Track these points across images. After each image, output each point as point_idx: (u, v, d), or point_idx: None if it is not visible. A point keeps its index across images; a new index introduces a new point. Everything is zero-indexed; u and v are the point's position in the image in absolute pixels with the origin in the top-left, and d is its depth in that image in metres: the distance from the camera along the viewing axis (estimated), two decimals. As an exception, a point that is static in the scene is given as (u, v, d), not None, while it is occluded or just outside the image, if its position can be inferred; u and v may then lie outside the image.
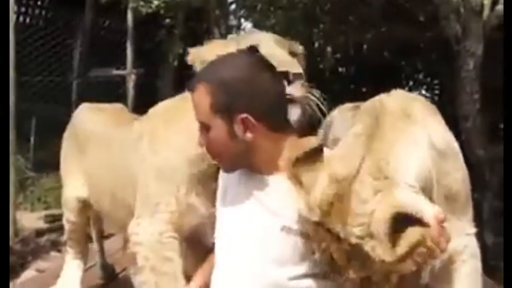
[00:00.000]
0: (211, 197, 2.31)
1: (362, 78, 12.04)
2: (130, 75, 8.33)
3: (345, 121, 2.79)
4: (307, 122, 1.97)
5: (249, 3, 10.17)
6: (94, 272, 3.95)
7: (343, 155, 1.80)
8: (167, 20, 8.87)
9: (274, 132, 1.86)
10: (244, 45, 2.06)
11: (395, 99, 2.03)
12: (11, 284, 4.11)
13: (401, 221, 1.57)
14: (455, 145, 2.21)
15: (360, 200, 1.66)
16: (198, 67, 2.25)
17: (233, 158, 1.92)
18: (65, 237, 3.71)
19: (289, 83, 1.91)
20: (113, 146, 3.03)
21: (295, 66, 1.97)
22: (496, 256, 5.89)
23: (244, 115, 1.82)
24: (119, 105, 3.63)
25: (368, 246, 1.62)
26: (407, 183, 1.74)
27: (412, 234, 1.55)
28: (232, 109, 1.83)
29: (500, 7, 5.95)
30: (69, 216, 3.53)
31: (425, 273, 2.12)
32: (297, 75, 1.93)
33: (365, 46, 10.69)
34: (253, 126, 1.84)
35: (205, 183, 2.46)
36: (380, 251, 1.59)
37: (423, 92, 12.30)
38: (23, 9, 8.26)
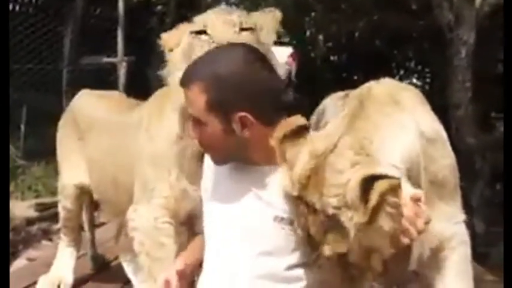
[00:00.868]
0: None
1: (354, 67, 12.05)
2: (121, 62, 8.28)
3: (336, 109, 2.80)
4: (296, 109, 1.95)
5: (241, -10, 10.15)
6: (84, 262, 3.94)
7: (325, 133, 1.83)
8: (159, 7, 8.82)
9: (269, 126, 1.84)
10: (196, 27, 2.30)
11: (383, 86, 2.05)
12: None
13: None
14: (444, 133, 2.21)
15: (334, 171, 1.69)
16: (167, 54, 2.27)
17: (227, 153, 1.92)
18: (59, 225, 3.72)
19: None
20: (115, 132, 3.05)
21: None
22: (486, 244, 5.94)
23: (243, 114, 1.81)
24: (116, 92, 3.64)
25: (344, 216, 1.65)
26: (391, 164, 1.76)
27: (380, 184, 1.57)
28: (230, 107, 1.82)
29: (492, -5, 5.97)
30: (66, 204, 3.54)
31: (413, 260, 2.13)
32: None
33: (357, 34, 10.67)
34: (251, 124, 1.83)
35: (195, 169, 2.46)
36: (356, 217, 1.62)
37: (414, 80, 12.33)
38: (13, -3, 8.19)
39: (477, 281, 2.40)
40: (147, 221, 2.65)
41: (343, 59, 12.91)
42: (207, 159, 2.08)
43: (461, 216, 2.29)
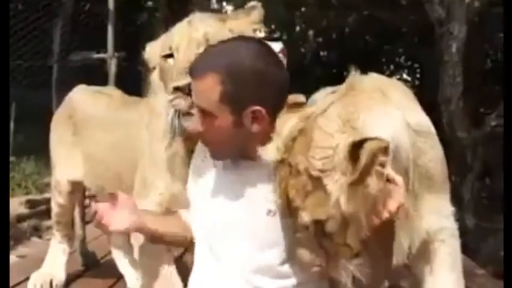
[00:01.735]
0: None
1: (344, 62, 12.07)
2: (111, 58, 8.25)
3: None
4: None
5: (231, -14, 10.13)
6: (75, 258, 3.93)
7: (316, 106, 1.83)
8: (149, 3, 8.81)
9: (274, 120, 1.84)
10: (167, 47, 2.29)
11: (371, 79, 2.05)
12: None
13: None
14: (432, 127, 2.22)
15: (323, 132, 1.70)
16: (152, 63, 2.26)
17: (230, 147, 1.92)
18: (52, 221, 3.70)
19: None
20: (117, 128, 3.04)
21: None
22: (476, 238, 5.98)
23: (257, 108, 1.81)
24: (112, 88, 3.63)
25: (328, 179, 1.65)
26: None
27: (371, 143, 1.59)
28: (243, 100, 1.82)
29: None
30: (59, 199, 3.54)
31: (403, 252, 2.13)
32: None
33: (347, 30, 10.70)
34: (262, 118, 1.84)
35: (185, 174, 2.47)
36: (343, 179, 1.64)
37: (404, 75, 12.37)
38: (2, -8, 8.11)
39: (467, 274, 2.42)
40: None
41: (333, 54, 12.93)
42: (195, 160, 2.09)
43: (450, 209, 2.31)
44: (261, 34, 2.45)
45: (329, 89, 2.73)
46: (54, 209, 3.61)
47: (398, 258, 2.10)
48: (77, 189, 3.54)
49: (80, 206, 3.86)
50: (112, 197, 1.98)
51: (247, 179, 1.96)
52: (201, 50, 2.08)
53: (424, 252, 2.30)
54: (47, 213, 5.85)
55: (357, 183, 1.64)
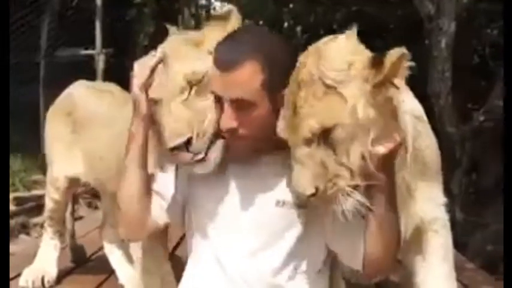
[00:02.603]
0: None
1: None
2: (99, 54, 8.21)
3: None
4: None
5: (220, -18, 10.11)
6: (65, 255, 3.92)
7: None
8: (138, -1, 8.79)
9: None
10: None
11: None
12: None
13: None
14: (425, 116, 2.25)
15: (337, 51, 1.77)
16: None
17: (262, 138, 1.90)
18: (45, 216, 3.68)
19: None
20: (117, 125, 3.03)
21: None
22: (465, 233, 6.02)
23: (283, 92, 1.82)
24: (112, 84, 3.61)
25: (343, 88, 1.71)
26: None
27: (395, 51, 1.71)
28: (278, 86, 1.82)
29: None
30: (55, 196, 3.53)
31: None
32: None
33: (335, 26, 10.71)
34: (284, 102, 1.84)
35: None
36: (362, 85, 1.71)
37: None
38: (-13, -12, 8.03)
39: (457, 268, 2.43)
40: None
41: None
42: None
43: (443, 199, 2.32)
44: None
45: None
46: (49, 204, 3.59)
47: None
48: (74, 186, 3.55)
49: (71, 202, 3.86)
50: None
51: (258, 172, 1.98)
52: (185, 96, 1.98)
53: (417, 242, 2.32)
54: (34, 211, 5.85)
55: (379, 87, 1.72)
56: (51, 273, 3.53)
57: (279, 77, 1.81)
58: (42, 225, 5.59)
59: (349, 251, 1.96)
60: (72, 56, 8.45)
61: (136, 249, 2.71)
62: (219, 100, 1.87)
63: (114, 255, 3.62)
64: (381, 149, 1.72)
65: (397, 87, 1.74)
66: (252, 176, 1.99)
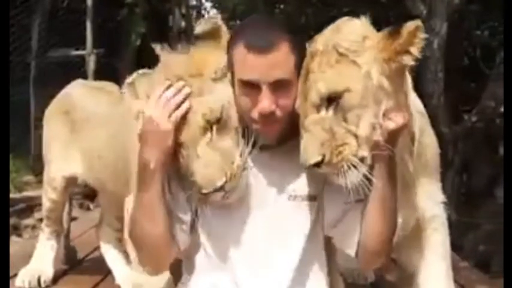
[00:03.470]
0: None
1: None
2: (90, 55, 8.17)
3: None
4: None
5: (210, -18, 10.09)
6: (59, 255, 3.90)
7: None
8: (129, -1, 8.76)
9: None
10: None
11: None
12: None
13: None
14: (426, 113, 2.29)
15: (351, 26, 1.85)
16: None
17: (288, 121, 1.92)
18: (43, 215, 3.69)
19: None
20: (112, 123, 3.02)
21: None
22: (459, 233, 6.04)
23: None
24: (110, 83, 3.61)
25: (357, 57, 1.78)
26: None
27: (409, 24, 1.78)
28: (301, 65, 1.87)
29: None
30: (52, 195, 3.52)
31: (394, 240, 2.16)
32: None
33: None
34: None
35: None
36: (377, 54, 1.79)
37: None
38: (-23, -12, 7.97)
39: (452, 268, 2.45)
40: None
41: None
42: None
43: (442, 197, 2.35)
44: None
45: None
46: (46, 204, 3.59)
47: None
48: (71, 185, 3.56)
49: (68, 202, 3.85)
50: None
51: (275, 165, 1.99)
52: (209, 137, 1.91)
53: (415, 239, 2.33)
54: (25, 212, 5.81)
55: (395, 56, 1.78)
56: (48, 273, 3.53)
57: (301, 58, 1.85)
58: (33, 227, 5.58)
59: (345, 234, 1.98)
60: (63, 57, 8.40)
61: (132, 249, 2.69)
62: (250, 86, 1.85)
63: (110, 255, 3.62)
64: (391, 124, 1.76)
65: (414, 56, 1.80)
66: (266, 170, 1.99)
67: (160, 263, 2.01)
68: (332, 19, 1.95)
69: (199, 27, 2.02)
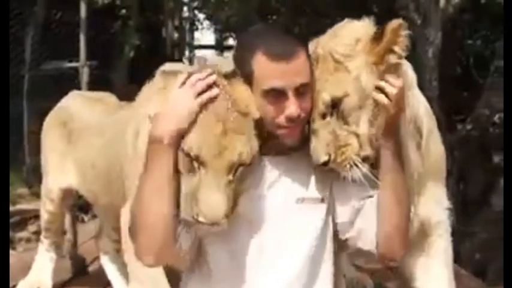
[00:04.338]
0: None
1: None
2: (83, 67, 8.15)
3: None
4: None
5: (203, -6, 10.13)
6: (62, 265, 3.90)
7: None
8: (123, 11, 8.75)
9: None
10: None
11: None
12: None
13: None
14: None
15: (349, 29, 1.94)
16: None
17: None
18: (42, 227, 3.69)
19: None
20: (107, 133, 3.02)
21: None
22: (455, 241, 6.04)
23: None
24: (107, 94, 3.61)
25: (349, 62, 1.88)
26: None
27: (392, 22, 1.87)
28: None
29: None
30: (49, 207, 3.52)
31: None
32: None
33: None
34: None
35: None
36: (365, 58, 1.87)
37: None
38: (-30, 1, 7.95)
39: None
40: None
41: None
42: None
43: (447, 203, 2.34)
44: None
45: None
46: (44, 216, 3.59)
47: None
48: (68, 197, 3.54)
49: (70, 211, 3.86)
50: None
51: (284, 169, 2.02)
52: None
53: (420, 244, 2.32)
54: (20, 225, 5.77)
55: (382, 56, 1.87)
56: (47, 285, 3.53)
57: (311, 62, 1.94)
58: (28, 240, 5.55)
59: (362, 232, 2.01)
60: (57, 69, 8.38)
61: (129, 258, 2.65)
62: (274, 94, 1.88)
63: (110, 266, 3.61)
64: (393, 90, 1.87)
65: (399, 55, 1.89)
66: (276, 175, 2.02)
67: (162, 249, 1.90)
68: (325, 29, 2.01)
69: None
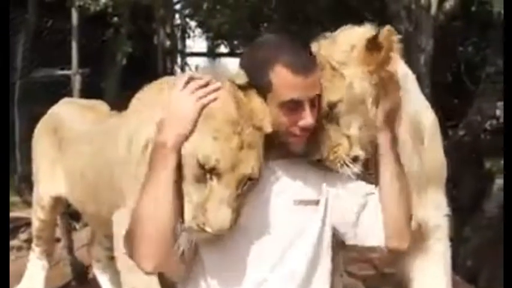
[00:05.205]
0: None
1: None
2: (75, 75, 8.14)
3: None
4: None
5: (195, 1, 10.13)
6: (55, 272, 3.88)
7: None
8: (115, 19, 8.74)
9: None
10: None
11: None
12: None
13: None
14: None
15: (345, 35, 2.01)
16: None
17: None
18: (33, 235, 3.66)
19: None
20: (97, 141, 3.00)
21: None
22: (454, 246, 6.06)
23: None
24: (99, 102, 3.59)
25: (345, 69, 1.94)
26: None
27: (384, 30, 1.92)
28: None
29: (447, 4, 6.13)
30: (40, 215, 3.51)
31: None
32: None
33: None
34: None
35: None
36: (360, 67, 1.93)
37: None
38: (-40, 8, 7.92)
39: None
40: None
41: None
42: None
43: (447, 209, 2.35)
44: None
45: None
46: (35, 223, 3.57)
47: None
48: (59, 205, 3.52)
49: (62, 218, 3.86)
50: None
51: (282, 173, 2.05)
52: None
53: (418, 249, 2.32)
54: (11, 233, 5.71)
55: (378, 67, 1.92)
56: (39, 293, 3.48)
57: None
58: (19, 248, 5.50)
59: (368, 230, 2.04)
60: (48, 77, 8.36)
61: (123, 266, 2.63)
62: (291, 106, 1.93)
63: (103, 275, 3.59)
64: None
65: (396, 62, 1.99)
66: (275, 178, 2.05)
67: (160, 254, 1.89)
68: (317, 37, 2.06)
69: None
